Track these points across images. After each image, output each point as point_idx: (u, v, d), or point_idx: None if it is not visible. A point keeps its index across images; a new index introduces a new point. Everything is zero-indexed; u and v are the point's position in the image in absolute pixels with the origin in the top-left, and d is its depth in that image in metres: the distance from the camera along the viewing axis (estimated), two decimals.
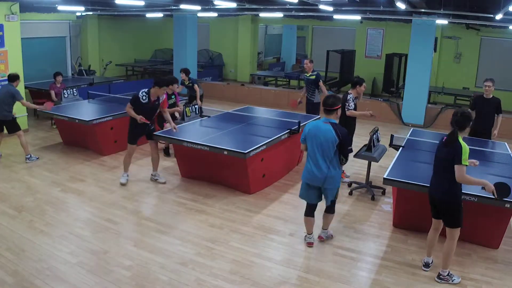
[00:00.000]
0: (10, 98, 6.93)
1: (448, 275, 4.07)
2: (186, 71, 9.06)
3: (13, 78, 7.05)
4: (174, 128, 6.30)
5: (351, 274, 4.22)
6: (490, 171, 5.27)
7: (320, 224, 4.87)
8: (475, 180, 3.85)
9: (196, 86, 9.08)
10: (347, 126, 5.61)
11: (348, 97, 6.19)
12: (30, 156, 7.25)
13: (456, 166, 3.76)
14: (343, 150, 4.38)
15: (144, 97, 5.98)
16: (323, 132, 4.35)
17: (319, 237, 4.89)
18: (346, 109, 6.08)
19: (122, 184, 6.31)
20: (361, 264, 4.42)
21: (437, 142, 4.20)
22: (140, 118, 5.97)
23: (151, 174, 6.57)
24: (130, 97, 6.12)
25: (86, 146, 7.81)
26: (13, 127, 7.14)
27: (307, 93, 8.20)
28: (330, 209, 4.73)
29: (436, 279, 4.10)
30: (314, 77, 7.96)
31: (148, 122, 6.16)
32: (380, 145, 6.27)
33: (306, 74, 8.18)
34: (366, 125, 9.14)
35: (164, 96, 6.23)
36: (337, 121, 4.46)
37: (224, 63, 17.36)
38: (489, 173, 5.16)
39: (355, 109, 6.24)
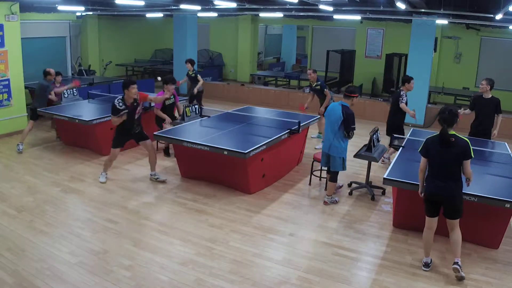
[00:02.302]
0: (42, 91, 7.83)
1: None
2: (191, 61, 9.83)
3: (45, 73, 7.85)
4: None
5: (351, 274, 4.22)
6: (490, 171, 5.28)
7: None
8: None
9: (199, 76, 9.80)
10: (396, 117, 7.09)
11: (402, 93, 7.05)
12: (20, 145, 7.75)
13: (467, 162, 3.98)
14: (346, 126, 5.45)
15: (120, 104, 5.89)
16: (334, 111, 5.54)
17: (324, 202, 5.84)
18: (399, 102, 6.97)
19: (102, 183, 6.34)
20: (361, 264, 4.42)
21: None
22: (121, 118, 5.94)
23: (150, 174, 6.57)
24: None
25: (86, 146, 7.81)
26: (32, 115, 7.91)
27: (319, 100, 8.65)
28: (331, 177, 5.77)
29: (459, 271, 4.04)
30: (319, 87, 8.49)
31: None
32: (380, 145, 6.27)
33: (312, 83, 8.63)
34: (367, 125, 9.14)
35: (138, 95, 6.03)
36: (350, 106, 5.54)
37: (224, 63, 17.36)
38: (489, 173, 5.17)
39: (406, 104, 6.98)
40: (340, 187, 6.33)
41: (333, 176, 5.76)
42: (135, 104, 6.04)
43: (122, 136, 6.24)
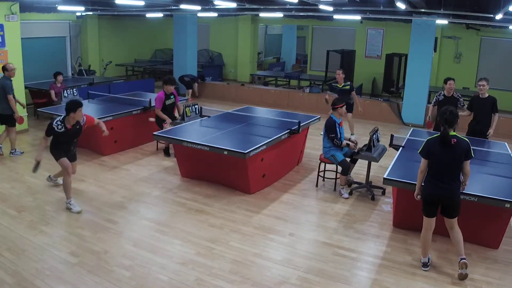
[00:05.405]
0: (2, 91, 7.01)
1: None
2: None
3: (3, 69, 7.12)
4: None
5: (351, 274, 4.22)
6: (490, 171, 5.28)
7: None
8: None
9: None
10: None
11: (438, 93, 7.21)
12: (15, 150, 7.50)
13: (467, 162, 4.01)
14: (326, 135, 6.11)
15: (59, 127, 5.24)
16: None
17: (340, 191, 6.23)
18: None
19: (78, 212, 5.38)
20: (361, 264, 4.42)
21: None
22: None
23: (50, 177, 6.20)
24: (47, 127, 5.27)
25: (86, 146, 7.81)
26: (8, 121, 7.24)
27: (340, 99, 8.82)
28: (341, 170, 6.13)
29: (467, 266, 4.08)
30: (348, 87, 8.70)
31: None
32: (380, 145, 6.27)
33: (338, 85, 8.76)
34: (366, 125, 9.14)
35: (85, 118, 5.49)
36: (337, 117, 6.13)
37: (224, 63, 17.36)
38: (489, 173, 5.17)
39: (434, 104, 7.07)
40: (348, 180, 6.47)
41: (342, 170, 6.10)
42: (77, 127, 5.40)
43: (60, 150, 5.45)
